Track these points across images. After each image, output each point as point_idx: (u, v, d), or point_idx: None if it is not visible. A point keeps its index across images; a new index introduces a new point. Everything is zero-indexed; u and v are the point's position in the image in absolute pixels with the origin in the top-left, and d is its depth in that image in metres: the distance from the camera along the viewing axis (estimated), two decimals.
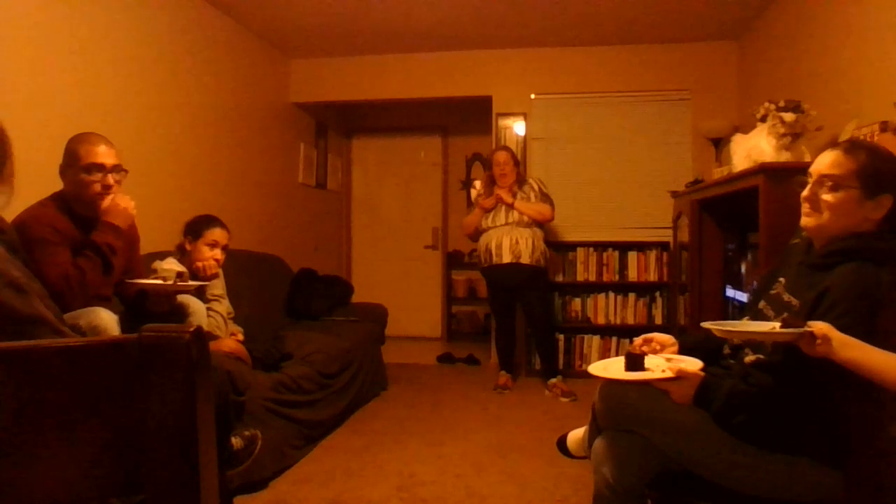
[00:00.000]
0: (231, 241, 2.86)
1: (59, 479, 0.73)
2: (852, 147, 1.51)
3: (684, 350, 1.74)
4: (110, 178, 2.07)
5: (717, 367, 1.68)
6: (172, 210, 3.27)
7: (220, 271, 2.86)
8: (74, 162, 2.06)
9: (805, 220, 1.54)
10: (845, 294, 1.35)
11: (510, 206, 4.00)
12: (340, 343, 3.55)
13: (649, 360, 1.62)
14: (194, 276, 2.55)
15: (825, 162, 1.51)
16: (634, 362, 1.60)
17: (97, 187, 2.05)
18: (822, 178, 1.50)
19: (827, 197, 1.48)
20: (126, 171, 2.15)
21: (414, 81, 4.96)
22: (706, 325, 1.47)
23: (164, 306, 2.22)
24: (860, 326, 1.32)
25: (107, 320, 1.86)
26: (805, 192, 1.54)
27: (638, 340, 1.77)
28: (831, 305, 1.36)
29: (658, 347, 1.74)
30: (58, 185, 2.13)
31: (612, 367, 1.63)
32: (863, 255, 1.40)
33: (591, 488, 1.67)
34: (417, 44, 4.72)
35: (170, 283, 2.14)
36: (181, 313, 2.27)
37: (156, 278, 2.17)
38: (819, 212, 1.50)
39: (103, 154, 2.06)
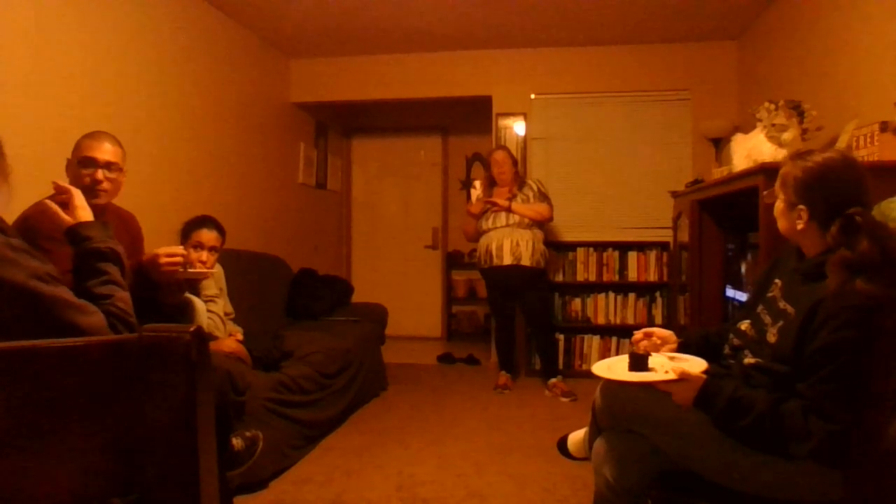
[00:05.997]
0: (228, 241, 2.85)
1: (59, 479, 0.73)
2: (790, 157, 1.58)
3: (684, 347, 1.74)
4: (100, 174, 2.06)
5: (717, 365, 1.68)
6: (172, 210, 3.27)
7: (218, 271, 2.86)
8: (74, 156, 2.09)
9: None
10: (839, 307, 1.35)
11: (508, 211, 4.00)
12: (340, 343, 3.54)
13: (653, 360, 1.62)
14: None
15: None
16: (638, 362, 1.60)
17: (86, 180, 2.04)
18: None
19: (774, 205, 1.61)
20: (122, 170, 2.14)
21: (414, 81, 4.96)
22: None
23: (177, 296, 2.21)
24: (858, 337, 1.32)
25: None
26: (766, 199, 1.69)
27: (638, 334, 1.77)
28: (826, 319, 1.36)
29: (658, 342, 1.74)
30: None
31: (615, 367, 1.63)
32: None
33: (591, 488, 1.68)
34: (418, 44, 4.72)
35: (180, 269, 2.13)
36: (188, 310, 2.26)
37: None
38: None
39: (98, 149, 2.07)
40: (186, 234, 2.70)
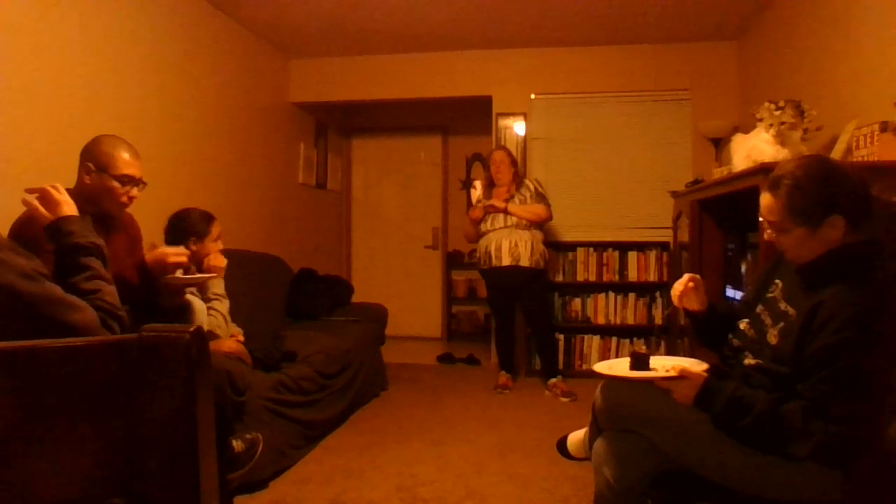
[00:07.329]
0: (228, 241, 2.86)
1: (59, 479, 0.73)
2: (775, 184, 1.48)
3: (712, 309, 1.76)
4: (135, 192, 2.09)
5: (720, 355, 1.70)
6: (171, 210, 3.26)
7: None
8: (107, 167, 2.03)
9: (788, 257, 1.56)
10: (839, 309, 1.35)
11: (504, 212, 4.00)
12: (340, 343, 3.54)
13: (654, 361, 1.62)
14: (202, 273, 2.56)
15: (763, 206, 1.52)
16: (639, 361, 1.60)
17: (125, 199, 2.07)
18: (767, 224, 1.53)
19: (780, 240, 1.51)
20: (146, 184, 2.15)
21: (414, 81, 4.96)
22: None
23: (178, 300, 2.21)
24: (858, 339, 1.32)
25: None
26: (765, 237, 1.56)
27: (679, 286, 1.75)
28: (826, 321, 1.36)
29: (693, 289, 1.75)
30: (60, 182, 2.11)
31: (617, 367, 1.64)
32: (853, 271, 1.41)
33: (591, 488, 1.68)
34: (417, 44, 4.72)
35: (189, 276, 2.16)
36: (186, 312, 2.27)
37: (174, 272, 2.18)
38: (786, 250, 1.52)
39: (135, 166, 2.09)
40: (203, 229, 2.65)
